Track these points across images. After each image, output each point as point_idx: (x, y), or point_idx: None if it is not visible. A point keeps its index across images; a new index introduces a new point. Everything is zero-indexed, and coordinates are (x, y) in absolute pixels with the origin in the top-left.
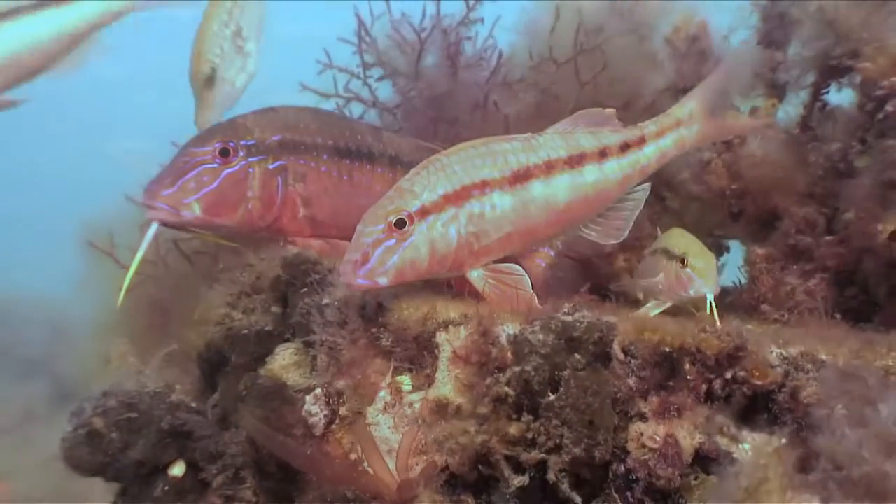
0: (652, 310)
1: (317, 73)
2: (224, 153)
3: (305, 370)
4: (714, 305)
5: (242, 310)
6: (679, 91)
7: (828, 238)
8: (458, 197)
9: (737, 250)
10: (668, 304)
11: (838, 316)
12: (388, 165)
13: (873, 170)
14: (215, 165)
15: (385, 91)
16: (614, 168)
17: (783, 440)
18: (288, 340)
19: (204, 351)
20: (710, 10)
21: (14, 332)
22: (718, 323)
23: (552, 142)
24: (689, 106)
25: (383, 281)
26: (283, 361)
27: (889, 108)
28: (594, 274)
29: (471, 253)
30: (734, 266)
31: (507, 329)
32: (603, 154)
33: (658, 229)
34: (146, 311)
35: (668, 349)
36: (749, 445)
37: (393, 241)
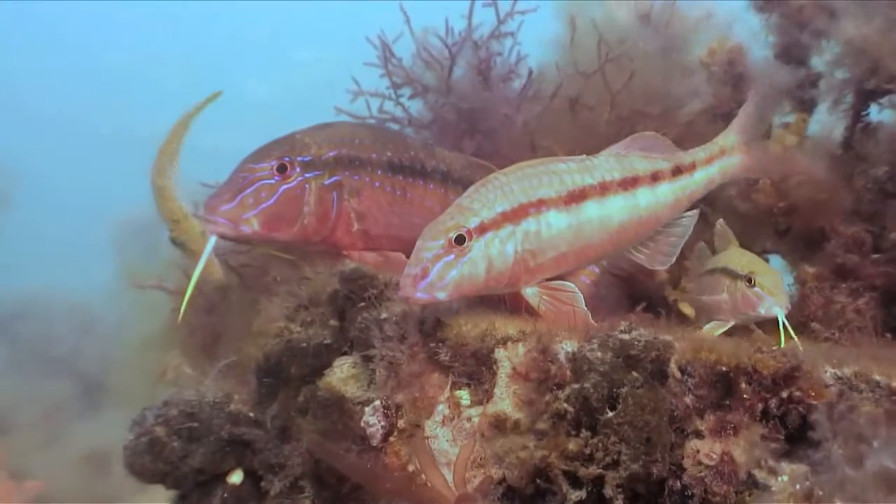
0: (714, 330)
1: (350, 100)
2: (281, 169)
3: (363, 383)
4: (787, 323)
5: (300, 322)
6: (717, 115)
7: (875, 256)
8: (516, 215)
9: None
10: (731, 324)
11: (888, 335)
12: (440, 182)
13: None
14: (273, 181)
15: (414, 109)
16: (666, 192)
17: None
18: (346, 354)
19: (262, 362)
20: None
21: (41, 329)
22: (796, 338)
23: (607, 164)
24: (732, 137)
25: (441, 295)
26: (342, 374)
27: None
28: (638, 289)
29: (526, 270)
30: None
31: (566, 346)
32: (655, 178)
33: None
34: (195, 323)
35: (724, 368)
36: (787, 477)
37: (452, 256)
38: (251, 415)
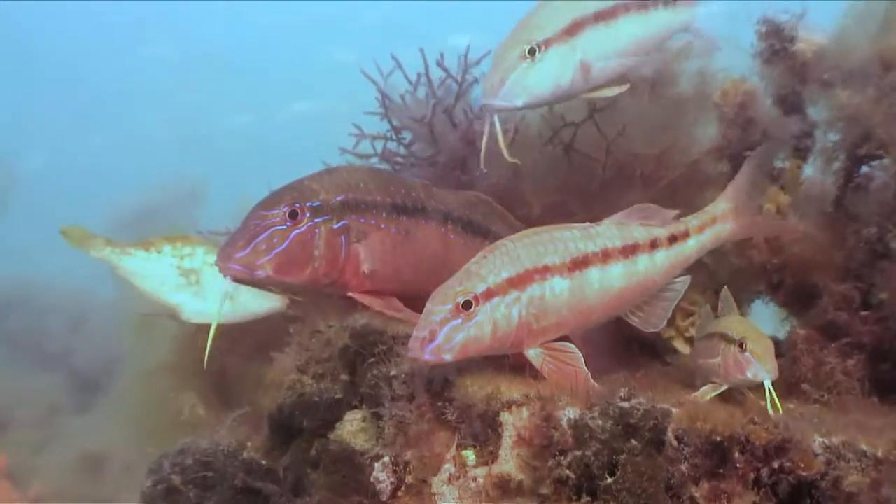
0: (708, 393)
1: (353, 145)
2: (293, 215)
3: (372, 435)
4: (773, 390)
5: (312, 375)
6: (725, 156)
7: (864, 314)
8: (521, 281)
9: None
10: (724, 388)
11: (875, 398)
12: (441, 221)
13: None
14: (284, 227)
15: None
16: (663, 258)
17: None
18: (356, 408)
19: (276, 413)
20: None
21: (34, 321)
22: (780, 406)
23: (609, 232)
24: (722, 205)
25: (448, 357)
26: (352, 428)
27: None
28: (631, 334)
29: (529, 333)
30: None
31: (568, 413)
32: (653, 245)
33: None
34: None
35: (718, 438)
36: None
37: (459, 320)
38: (264, 462)
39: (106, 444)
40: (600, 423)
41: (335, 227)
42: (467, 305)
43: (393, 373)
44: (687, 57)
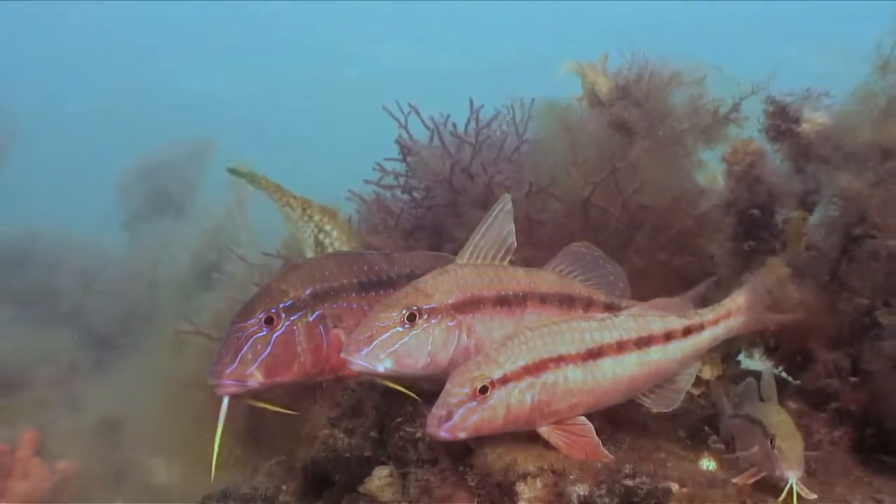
0: (748, 480)
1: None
2: (269, 321)
3: (398, 489)
4: (796, 489)
5: (344, 430)
6: (732, 212)
7: (852, 380)
8: (537, 368)
9: None
10: (762, 475)
11: (858, 471)
12: (406, 283)
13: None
14: (264, 333)
15: None
16: (676, 349)
17: None
18: (384, 463)
19: (310, 465)
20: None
21: (45, 278)
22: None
23: (625, 323)
24: (738, 301)
25: (462, 435)
26: (380, 483)
27: None
28: None
29: (541, 415)
30: None
31: (578, 490)
32: (668, 337)
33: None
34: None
35: None
36: None
37: (475, 403)
38: None
39: (122, 407)
40: (607, 500)
41: (311, 319)
42: (483, 390)
43: (418, 435)
44: (679, 85)
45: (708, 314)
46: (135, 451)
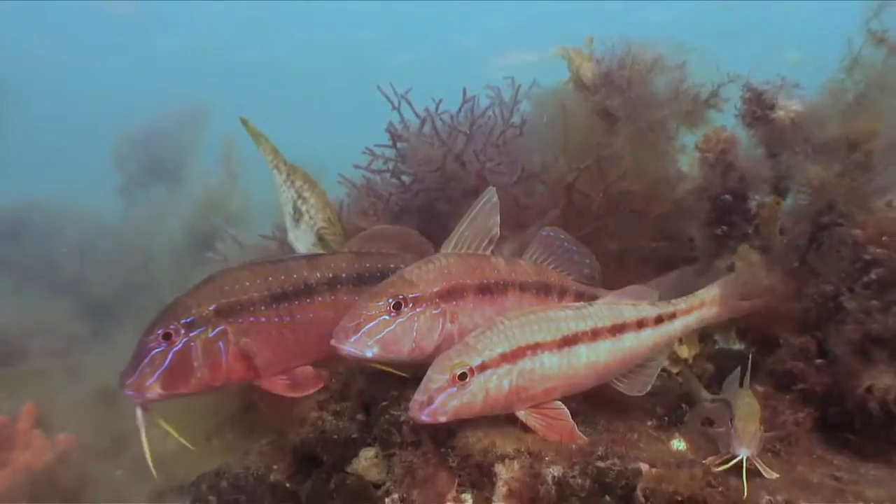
0: (723, 464)
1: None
2: (167, 336)
3: (383, 468)
4: (746, 467)
5: (332, 412)
6: (706, 196)
7: (818, 362)
8: (514, 356)
9: None
10: (737, 460)
11: (819, 450)
12: (327, 290)
13: (858, 320)
14: (163, 349)
15: None
16: (648, 336)
17: None
18: (370, 445)
19: (300, 446)
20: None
21: (43, 246)
22: (746, 490)
23: (600, 312)
24: (714, 291)
25: (443, 419)
26: (366, 463)
27: (872, 275)
28: None
29: (518, 399)
30: None
31: (553, 471)
32: (640, 325)
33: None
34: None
35: (680, 498)
36: None
37: (455, 388)
38: (288, 485)
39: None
40: (580, 481)
41: (211, 335)
42: (463, 377)
43: (403, 418)
44: (661, 70)
45: (681, 303)
46: (132, 422)
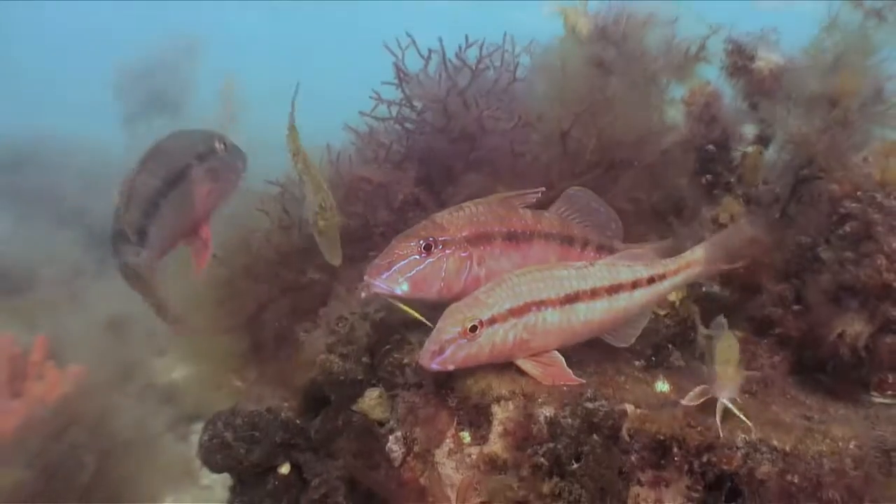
0: (695, 399)
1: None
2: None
3: (387, 407)
4: (723, 411)
5: (339, 355)
6: (691, 147)
7: (795, 308)
8: (521, 311)
9: None
10: (707, 397)
11: (792, 392)
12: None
13: (832, 270)
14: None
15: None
16: (641, 296)
17: None
18: (374, 385)
19: (308, 386)
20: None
21: (47, 178)
22: (720, 429)
23: (599, 272)
24: (698, 253)
25: (451, 367)
26: (371, 402)
27: (847, 228)
28: None
29: (520, 350)
30: None
31: (546, 412)
32: (635, 285)
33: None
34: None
35: (661, 437)
36: None
37: (465, 340)
38: (298, 422)
39: (127, 306)
40: (570, 421)
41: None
42: (473, 329)
43: (405, 361)
44: (653, 26)
45: (670, 265)
46: (141, 350)
